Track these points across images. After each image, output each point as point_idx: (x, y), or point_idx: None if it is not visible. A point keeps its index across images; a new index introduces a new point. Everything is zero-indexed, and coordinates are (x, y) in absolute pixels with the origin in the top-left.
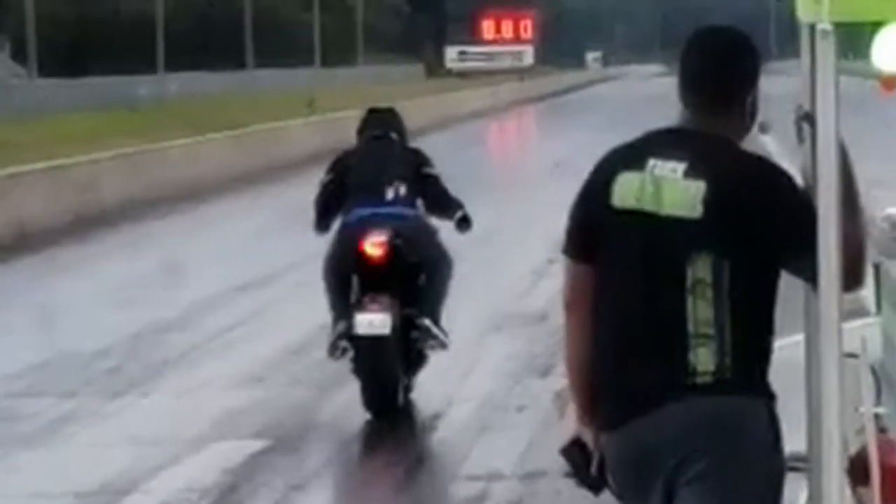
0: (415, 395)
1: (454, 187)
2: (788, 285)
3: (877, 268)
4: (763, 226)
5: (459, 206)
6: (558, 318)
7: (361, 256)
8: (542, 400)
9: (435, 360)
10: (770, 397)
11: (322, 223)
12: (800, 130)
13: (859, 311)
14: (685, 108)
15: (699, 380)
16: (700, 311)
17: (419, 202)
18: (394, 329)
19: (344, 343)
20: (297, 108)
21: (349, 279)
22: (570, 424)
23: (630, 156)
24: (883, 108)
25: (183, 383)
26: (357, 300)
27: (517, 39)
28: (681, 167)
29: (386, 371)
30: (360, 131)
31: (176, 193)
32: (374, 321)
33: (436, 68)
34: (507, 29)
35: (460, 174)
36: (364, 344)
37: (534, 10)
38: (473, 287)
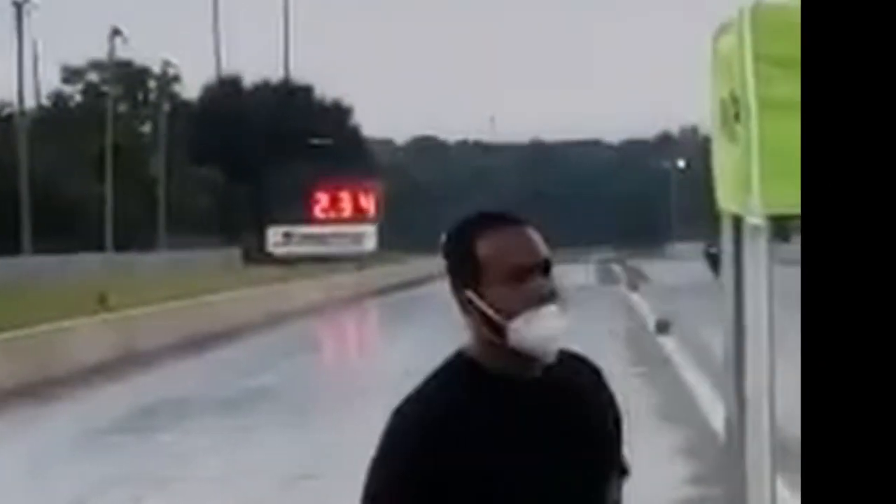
0: None
1: (281, 404)
2: None
3: None
4: None
5: None
6: None
7: None
8: None
9: None
10: None
11: None
12: (714, 263)
13: None
14: None
15: None
16: None
17: None
18: None
19: None
20: (86, 304)
21: None
22: None
23: None
24: None
25: None
26: None
27: (357, 218)
28: None
29: None
30: None
31: None
32: None
33: (255, 253)
34: (346, 205)
35: (288, 388)
36: None
37: (377, 182)
38: None
